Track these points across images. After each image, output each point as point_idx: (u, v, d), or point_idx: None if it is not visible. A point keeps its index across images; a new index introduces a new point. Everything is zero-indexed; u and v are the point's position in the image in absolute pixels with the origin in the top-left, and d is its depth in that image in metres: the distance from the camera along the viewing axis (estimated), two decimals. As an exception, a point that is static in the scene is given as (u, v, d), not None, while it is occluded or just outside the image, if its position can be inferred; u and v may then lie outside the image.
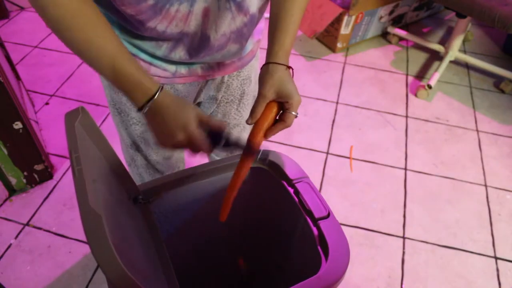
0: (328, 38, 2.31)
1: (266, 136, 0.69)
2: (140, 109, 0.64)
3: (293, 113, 0.68)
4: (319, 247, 0.70)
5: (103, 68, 0.62)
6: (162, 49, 0.75)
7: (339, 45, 2.27)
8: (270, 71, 0.68)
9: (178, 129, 0.64)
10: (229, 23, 0.72)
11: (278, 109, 0.69)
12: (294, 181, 0.79)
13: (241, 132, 1.05)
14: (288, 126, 0.69)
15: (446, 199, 1.62)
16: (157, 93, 0.63)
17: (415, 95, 2.07)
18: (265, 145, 0.70)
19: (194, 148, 0.66)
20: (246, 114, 1.01)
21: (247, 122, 0.69)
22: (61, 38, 0.60)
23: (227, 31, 0.74)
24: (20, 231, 1.44)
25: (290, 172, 0.80)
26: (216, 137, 0.67)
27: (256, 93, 1.00)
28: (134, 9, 0.64)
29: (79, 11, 0.58)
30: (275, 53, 0.69)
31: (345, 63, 2.24)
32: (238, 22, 0.73)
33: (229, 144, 0.68)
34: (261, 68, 0.70)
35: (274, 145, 1.77)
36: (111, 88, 0.86)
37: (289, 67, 0.69)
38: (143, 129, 0.91)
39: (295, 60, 2.21)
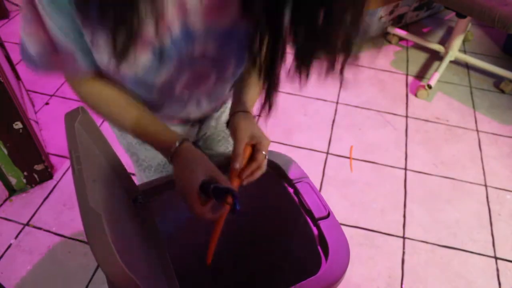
0: (328, 38, 2.31)
1: (243, 178, 0.72)
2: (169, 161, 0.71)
3: (264, 153, 0.72)
4: (319, 247, 0.70)
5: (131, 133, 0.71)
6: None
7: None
8: (244, 117, 0.73)
9: (180, 189, 0.67)
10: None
11: (251, 151, 0.73)
12: (294, 181, 0.79)
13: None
14: (260, 164, 0.72)
15: (446, 199, 1.62)
16: (175, 150, 0.68)
17: (415, 95, 2.07)
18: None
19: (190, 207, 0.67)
20: None
21: (234, 167, 0.70)
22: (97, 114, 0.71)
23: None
24: (20, 231, 1.43)
25: (290, 172, 0.80)
26: (219, 194, 0.68)
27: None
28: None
29: (108, 98, 0.69)
30: (243, 103, 0.75)
31: (345, 63, 2.24)
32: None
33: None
34: (232, 116, 0.74)
35: (274, 145, 1.77)
36: (122, 136, 0.92)
37: (254, 116, 0.76)
38: (155, 174, 0.96)
39: (295, 60, 2.21)
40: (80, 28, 0.56)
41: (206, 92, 0.78)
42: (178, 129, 0.89)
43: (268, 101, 0.67)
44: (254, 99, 0.78)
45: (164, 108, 0.78)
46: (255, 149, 0.72)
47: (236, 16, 0.62)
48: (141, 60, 0.61)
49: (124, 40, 0.54)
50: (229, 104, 0.94)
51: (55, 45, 0.58)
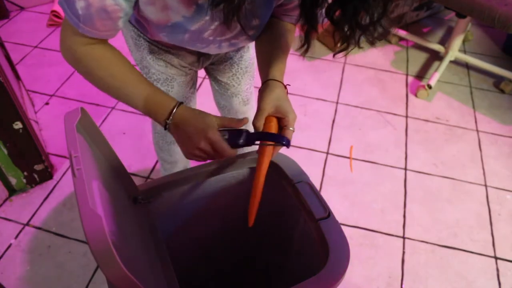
0: (328, 38, 2.31)
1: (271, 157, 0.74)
2: (164, 127, 0.70)
3: (291, 128, 0.73)
4: (319, 247, 0.70)
5: (129, 101, 0.72)
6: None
7: (339, 45, 2.27)
8: (270, 87, 0.74)
9: (199, 137, 0.68)
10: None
11: (276, 124, 0.73)
12: (294, 182, 0.79)
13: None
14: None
15: (446, 199, 1.62)
16: (175, 108, 0.69)
17: (415, 95, 2.07)
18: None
19: (217, 154, 0.70)
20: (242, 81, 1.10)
21: None
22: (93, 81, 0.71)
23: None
24: (20, 231, 1.44)
25: (290, 172, 0.80)
26: (236, 136, 0.71)
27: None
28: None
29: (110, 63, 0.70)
30: (273, 72, 0.76)
31: (345, 63, 2.24)
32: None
33: (250, 140, 0.71)
34: (262, 86, 0.76)
35: (274, 145, 1.77)
36: (137, 50, 0.95)
37: (285, 86, 0.76)
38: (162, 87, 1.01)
39: (295, 60, 2.21)
40: None
41: (229, 39, 0.80)
42: (191, 58, 0.94)
43: (307, 42, 0.71)
44: (283, 69, 0.79)
45: (187, 46, 0.81)
46: (281, 125, 0.74)
47: None
48: (184, 11, 0.67)
49: None
50: (251, 45, 1.01)
51: (102, 6, 0.62)
